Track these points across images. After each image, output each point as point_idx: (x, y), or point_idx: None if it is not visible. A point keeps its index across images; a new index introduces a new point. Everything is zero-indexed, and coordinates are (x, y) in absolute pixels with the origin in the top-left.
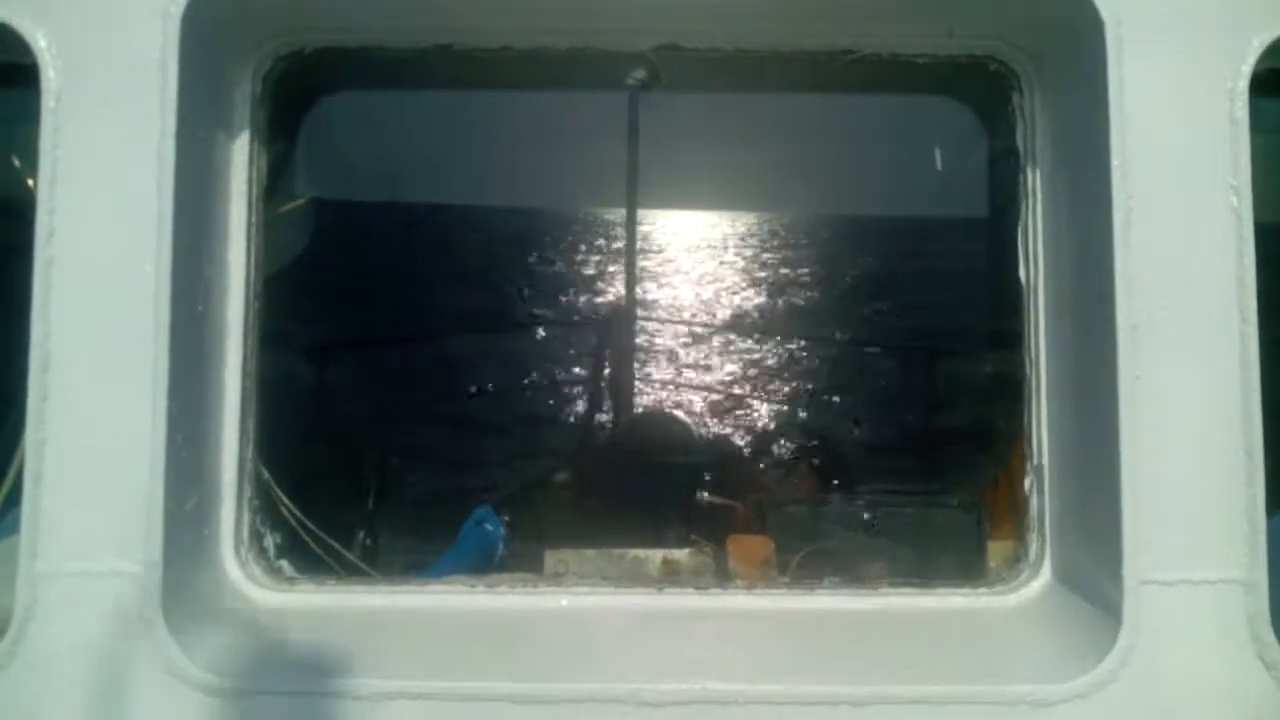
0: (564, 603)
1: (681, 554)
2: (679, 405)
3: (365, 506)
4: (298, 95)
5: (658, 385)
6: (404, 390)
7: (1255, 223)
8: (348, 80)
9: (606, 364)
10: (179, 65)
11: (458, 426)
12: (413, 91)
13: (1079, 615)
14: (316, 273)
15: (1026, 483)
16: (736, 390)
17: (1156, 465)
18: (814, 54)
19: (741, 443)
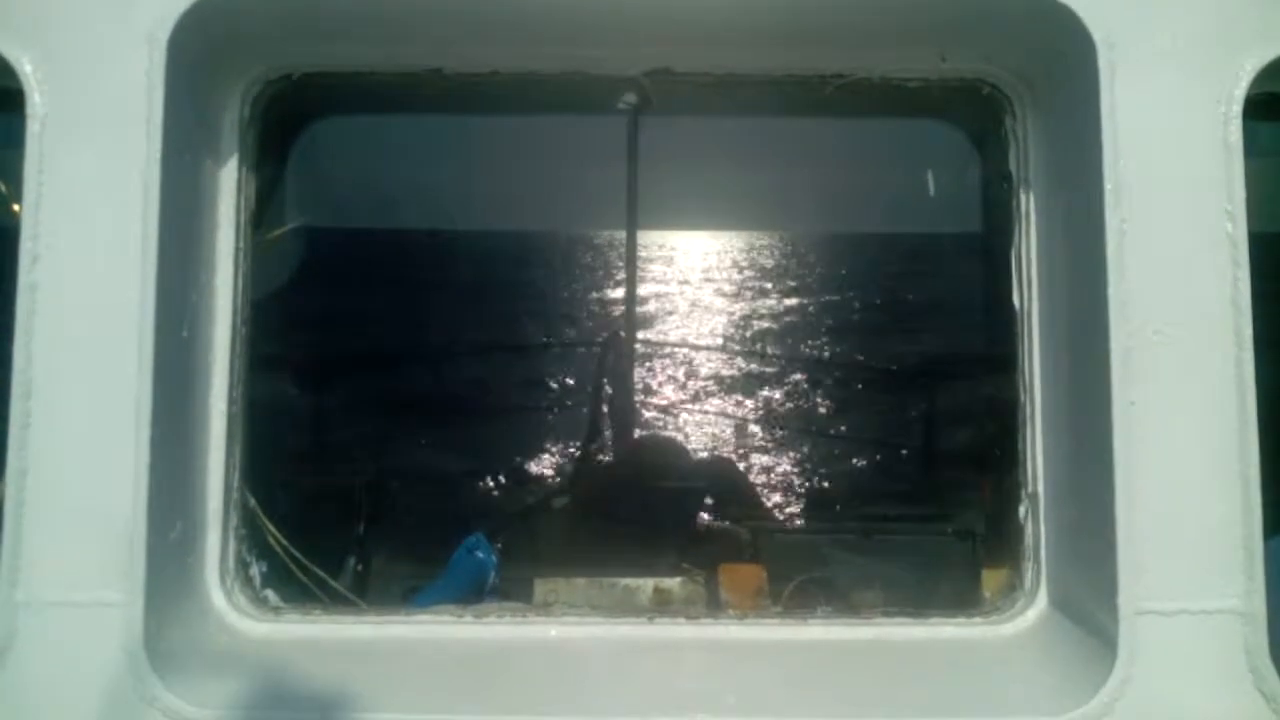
0: (553, 633)
1: (673, 583)
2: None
3: (357, 531)
4: (287, 120)
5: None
6: (398, 412)
7: (1250, 242)
8: (337, 105)
9: (606, 388)
10: (165, 90)
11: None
12: (403, 115)
13: (1075, 645)
14: (308, 296)
15: (1021, 510)
16: (732, 411)
17: (1151, 492)
18: (805, 78)
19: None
